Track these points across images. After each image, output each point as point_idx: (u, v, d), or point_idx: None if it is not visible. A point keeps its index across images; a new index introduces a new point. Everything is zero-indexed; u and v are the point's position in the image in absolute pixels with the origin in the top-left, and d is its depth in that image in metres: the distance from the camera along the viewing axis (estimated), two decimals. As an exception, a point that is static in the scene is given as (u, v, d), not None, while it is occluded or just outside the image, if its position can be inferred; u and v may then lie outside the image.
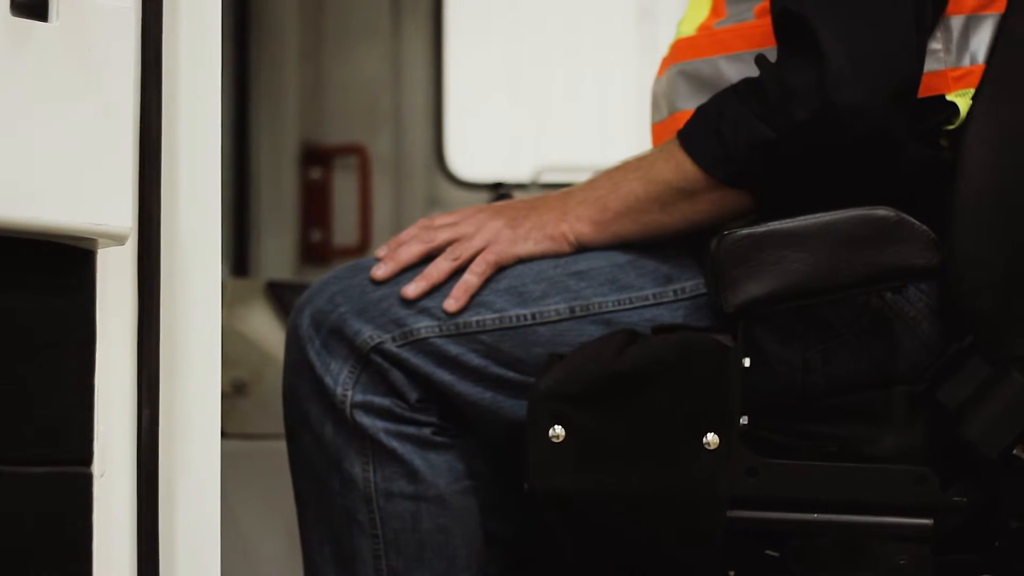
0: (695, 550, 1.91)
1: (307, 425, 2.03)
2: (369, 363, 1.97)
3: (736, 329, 1.86)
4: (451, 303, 1.96)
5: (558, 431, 1.87)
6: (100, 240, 1.37)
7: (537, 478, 1.90)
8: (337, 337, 1.99)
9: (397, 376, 1.97)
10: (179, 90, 1.46)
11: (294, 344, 2.03)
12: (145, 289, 1.42)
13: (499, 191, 2.81)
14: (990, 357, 1.90)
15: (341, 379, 1.98)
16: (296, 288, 3.15)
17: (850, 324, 1.95)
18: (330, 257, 3.91)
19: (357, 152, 3.92)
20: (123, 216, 1.37)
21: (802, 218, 1.86)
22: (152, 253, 1.42)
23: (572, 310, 1.97)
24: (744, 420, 1.87)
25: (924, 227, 1.85)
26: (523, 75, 4.21)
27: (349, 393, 1.98)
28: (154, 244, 1.42)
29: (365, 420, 1.97)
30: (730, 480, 1.87)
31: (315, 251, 3.91)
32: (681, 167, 1.95)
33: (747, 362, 1.86)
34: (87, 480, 1.37)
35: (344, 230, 3.92)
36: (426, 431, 1.99)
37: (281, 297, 3.07)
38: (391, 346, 1.96)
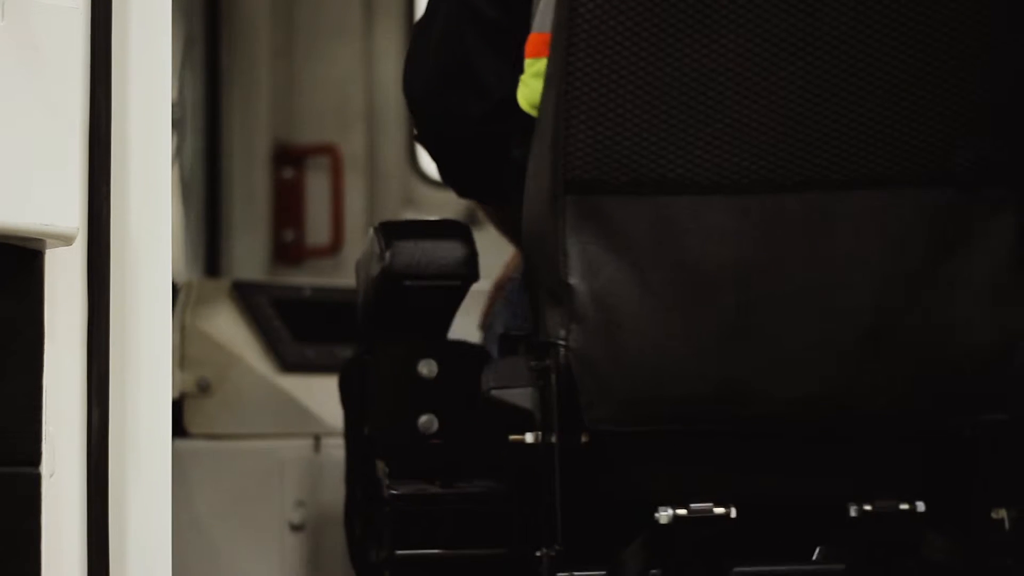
0: None
1: None
2: None
3: None
4: None
5: None
6: (48, 240, 1.37)
7: None
8: None
9: None
10: (129, 90, 1.45)
11: None
12: (94, 289, 1.41)
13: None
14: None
15: None
16: (261, 288, 3.15)
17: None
18: (303, 257, 3.90)
19: (329, 152, 3.91)
20: (71, 216, 1.37)
21: None
22: (101, 253, 1.41)
23: None
24: None
25: None
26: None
27: None
28: (103, 244, 1.41)
29: None
30: None
31: (287, 251, 3.90)
32: None
33: None
34: (36, 480, 1.37)
35: (316, 230, 3.91)
36: None
37: (247, 297, 3.07)
38: None
